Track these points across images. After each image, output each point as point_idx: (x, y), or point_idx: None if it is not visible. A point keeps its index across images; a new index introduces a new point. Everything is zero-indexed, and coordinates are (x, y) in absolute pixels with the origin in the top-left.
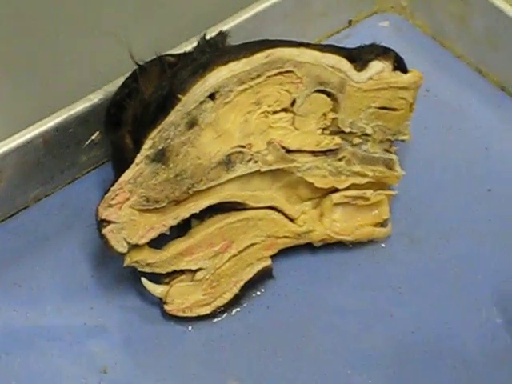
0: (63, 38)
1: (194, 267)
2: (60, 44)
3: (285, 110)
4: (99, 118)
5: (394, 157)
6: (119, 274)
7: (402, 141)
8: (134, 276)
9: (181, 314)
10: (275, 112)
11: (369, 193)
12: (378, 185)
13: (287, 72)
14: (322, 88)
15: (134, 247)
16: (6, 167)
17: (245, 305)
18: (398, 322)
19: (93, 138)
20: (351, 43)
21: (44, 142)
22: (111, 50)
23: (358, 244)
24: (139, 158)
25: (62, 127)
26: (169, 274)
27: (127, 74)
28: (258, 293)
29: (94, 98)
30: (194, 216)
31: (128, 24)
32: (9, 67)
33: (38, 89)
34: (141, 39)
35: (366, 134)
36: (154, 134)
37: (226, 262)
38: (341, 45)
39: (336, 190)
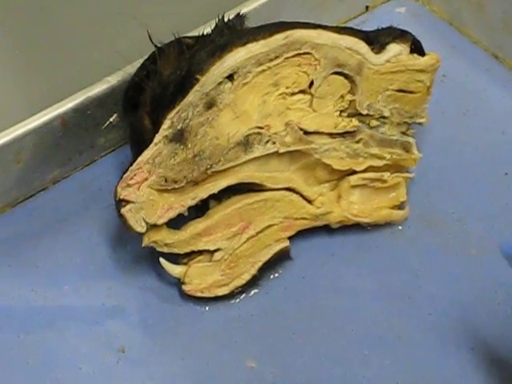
0: (82, 20)
1: (212, 248)
2: (78, 26)
3: (303, 91)
4: (117, 99)
5: (411, 139)
6: (137, 254)
7: (420, 124)
8: (152, 256)
9: (199, 295)
10: (293, 94)
11: (386, 175)
12: (396, 167)
13: (305, 54)
14: (339, 70)
15: (153, 227)
16: (25, 148)
17: (262, 286)
18: (414, 304)
19: (111, 120)
20: (368, 29)
21: (62, 124)
22: (130, 31)
23: (375, 226)
24: (158, 138)
25: (81, 109)
26: (187, 255)
27: (146, 56)
28: (276, 274)
29: (113, 79)
30: (212, 197)
31: (146, 6)
32: (27, 49)
33: (56, 70)
34: (159, 21)
35: (384, 117)
36: (172, 114)
37: (244, 242)
38: None
39: (353, 173)
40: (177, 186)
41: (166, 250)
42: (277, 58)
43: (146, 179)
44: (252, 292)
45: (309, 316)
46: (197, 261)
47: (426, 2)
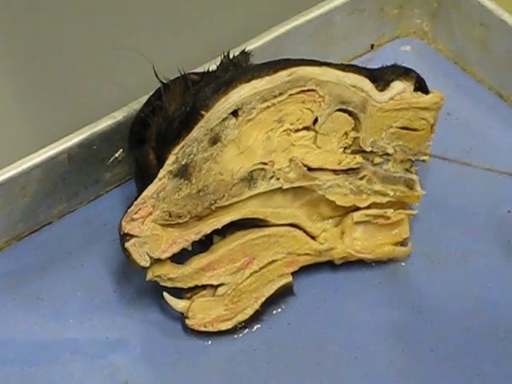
0: (88, 55)
1: (215, 282)
2: (85, 62)
3: (307, 128)
4: (123, 135)
5: (414, 177)
6: (141, 288)
7: (423, 161)
8: (155, 291)
9: (202, 329)
10: (297, 130)
11: (389, 212)
12: (399, 204)
13: (309, 90)
14: (343, 107)
15: (157, 262)
16: (31, 182)
17: (265, 321)
18: (416, 340)
19: (116, 155)
20: (373, 67)
21: (68, 158)
22: (136, 68)
23: (378, 262)
24: (162, 173)
25: (87, 144)
26: (190, 289)
27: (151, 92)
28: (279, 309)
29: (118, 115)
30: (215, 232)
31: (152, 42)
32: (34, 84)
33: (63, 105)
34: (165, 58)
35: (387, 154)
36: (177, 149)
37: (248, 277)
38: None
39: (357, 209)
40: (181, 221)
41: (169, 284)
42: (281, 94)
43: (151, 214)
44: (255, 327)
45: (311, 351)
46: (200, 295)
47: (431, 40)
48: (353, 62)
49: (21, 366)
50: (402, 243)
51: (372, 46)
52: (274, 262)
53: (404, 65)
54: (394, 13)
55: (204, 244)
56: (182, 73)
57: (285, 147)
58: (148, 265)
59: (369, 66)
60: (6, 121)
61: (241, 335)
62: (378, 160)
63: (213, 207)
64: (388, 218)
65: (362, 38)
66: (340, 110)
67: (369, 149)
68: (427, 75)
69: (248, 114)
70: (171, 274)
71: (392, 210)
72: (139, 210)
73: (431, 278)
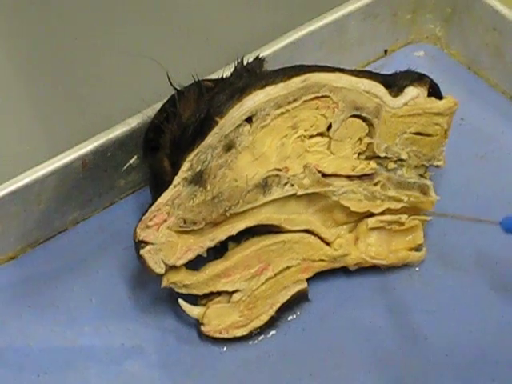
0: (103, 62)
1: (230, 289)
2: (100, 68)
3: (321, 134)
4: (137, 142)
5: (428, 182)
6: (156, 295)
7: (437, 166)
8: (170, 297)
9: (217, 335)
10: (311, 136)
11: (404, 218)
12: (413, 210)
13: (323, 97)
14: (357, 113)
15: (172, 268)
16: (45, 190)
17: (280, 327)
18: (432, 345)
19: (131, 162)
20: (387, 72)
21: (83, 166)
22: (150, 74)
23: (392, 268)
24: (177, 179)
25: (101, 151)
26: (205, 296)
27: (165, 99)
28: (294, 315)
29: (133, 122)
30: (230, 238)
31: (167, 49)
32: (49, 91)
33: (77, 112)
34: (179, 64)
35: (401, 159)
36: (191, 156)
37: (263, 284)
38: None
39: (371, 215)
40: (196, 228)
41: (184, 291)
42: (295, 100)
43: (165, 221)
44: (270, 333)
45: (327, 357)
46: (215, 302)
47: (444, 45)
48: (366, 68)
49: (37, 373)
50: (417, 249)
51: (385, 51)
52: (288, 268)
53: (417, 70)
54: (407, 18)
55: (219, 250)
56: (196, 79)
57: (299, 153)
58: (163, 272)
59: (382, 72)
60: (20, 128)
61: (256, 341)
62: (392, 166)
63: (227, 214)
64: (402, 224)
65: (376, 43)
66: (354, 115)
67: (383, 154)
68: (440, 80)
69: (262, 120)
70: (186, 280)
71: (406, 216)
72: (154, 217)
73: (446, 283)
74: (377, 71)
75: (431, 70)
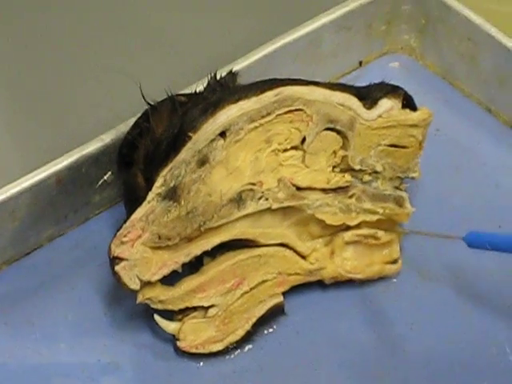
0: (75, 78)
1: (206, 304)
2: (72, 84)
3: (295, 147)
4: (111, 157)
5: (404, 194)
6: (132, 311)
7: (412, 178)
8: (146, 313)
9: (193, 351)
10: (285, 150)
11: (380, 233)
12: (389, 222)
13: (297, 110)
14: (331, 126)
15: (147, 284)
16: (20, 207)
17: (257, 341)
18: (410, 357)
19: (105, 177)
20: (362, 84)
21: (57, 182)
22: (123, 90)
23: (368, 281)
24: (151, 195)
25: (75, 167)
26: (181, 311)
27: (139, 114)
28: (270, 329)
29: (106, 137)
30: (205, 253)
31: (139, 64)
32: (21, 108)
33: (50, 129)
34: (152, 79)
35: (376, 172)
36: (165, 171)
37: (238, 298)
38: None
39: (347, 228)
40: (170, 243)
41: (160, 306)
42: (269, 114)
43: (140, 236)
44: (246, 348)
45: (304, 371)
46: (191, 317)
47: (419, 56)
48: (341, 79)
49: None
50: (393, 262)
51: (360, 62)
52: (264, 282)
53: (392, 81)
54: (381, 29)
55: (194, 266)
56: (170, 94)
57: (273, 167)
58: (138, 288)
59: (357, 83)
60: None
61: (232, 356)
62: (367, 178)
63: (202, 229)
64: (378, 238)
65: (350, 55)
66: (328, 128)
67: (358, 167)
68: (415, 91)
69: (236, 134)
70: (162, 296)
71: (383, 232)
72: (128, 232)
73: (423, 295)
74: (352, 83)
75: (406, 81)
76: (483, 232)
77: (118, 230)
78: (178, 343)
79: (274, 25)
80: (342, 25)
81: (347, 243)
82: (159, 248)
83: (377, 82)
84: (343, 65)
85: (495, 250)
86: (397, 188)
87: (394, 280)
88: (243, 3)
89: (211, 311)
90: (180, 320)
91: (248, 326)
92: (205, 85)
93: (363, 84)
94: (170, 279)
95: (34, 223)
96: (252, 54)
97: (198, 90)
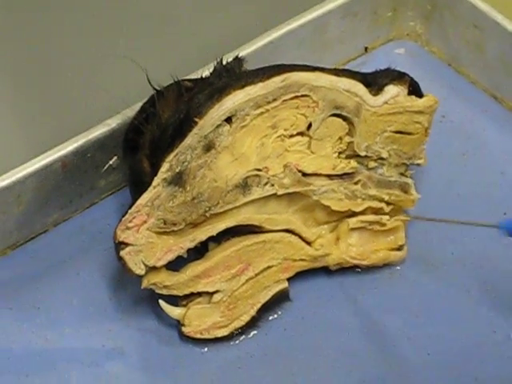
0: (82, 63)
1: (211, 289)
2: (78, 69)
3: (301, 133)
4: (117, 142)
5: (409, 180)
6: (137, 296)
7: (418, 165)
8: (151, 298)
9: (198, 336)
10: (291, 136)
11: (385, 218)
12: (394, 208)
13: (303, 96)
14: (337, 112)
15: (152, 269)
16: (26, 191)
17: (262, 327)
18: (414, 345)
19: (111, 162)
20: (367, 70)
21: (63, 166)
22: (129, 75)
23: (373, 267)
24: (156, 180)
25: (81, 152)
26: (186, 296)
27: (145, 99)
28: (275, 315)
29: (112, 122)
30: (211, 239)
31: (146, 49)
32: (27, 93)
33: (56, 113)
34: (158, 64)
35: (382, 158)
36: (171, 157)
37: (243, 284)
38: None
39: (352, 215)
40: (176, 229)
41: (165, 292)
42: (275, 100)
43: (145, 222)
44: (251, 333)
45: (308, 356)
46: (196, 302)
47: (425, 43)
48: (347, 66)
49: (17, 375)
50: (398, 248)
51: (366, 48)
52: (269, 268)
53: (398, 67)
54: (387, 15)
55: (199, 251)
56: (176, 79)
57: (279, 153)
58: (143, 273)
59: (363, 70)
60: None
61: (237, 342)
62: (372, 164)
63: (207, 214)
64: (383, 224)
65: (356, 41)
66: (334, 114)
67: (363, 153)
68: (421, 78)
69: (242, 120)
70: (167, 281)
71: (388, 217)
72: (134, 218)
73: (428, 282)
74: (358, 69)
75: (412, 68)
76: None
77: (123, 216)
78: (183, 328)
79: (280, 11)
80: (348, 11)
81: (352, 229)
82: (164, 233)
83: (383, 68)
84: (349, 51)
85: None
86: (402, 174)
87: (399, 267)
88: None
89: (216, 297)
90: (185, 305)
91: (253, 312)
92: (211, 70)
93: (369, 70)
94: (175, 264)
95: (40, 208)
96: (258, 39)
97: (204, 76)
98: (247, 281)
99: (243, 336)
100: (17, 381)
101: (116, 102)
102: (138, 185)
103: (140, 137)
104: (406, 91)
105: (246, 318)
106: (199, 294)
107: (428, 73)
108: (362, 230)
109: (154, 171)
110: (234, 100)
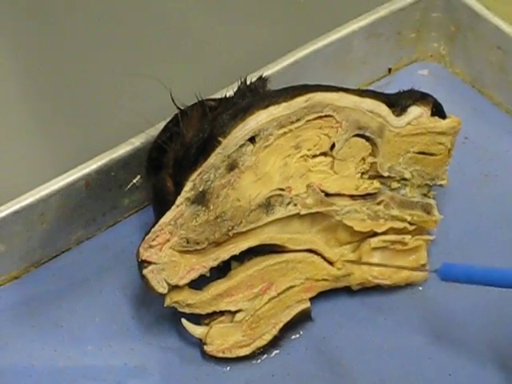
0: (106, 82)
1: (233, 308)
2: (103, 88)
3: (324, 153)
4: (141, 161)
5: (432, 201)
6: (159, 314)
7: (440, 186)
8: (173, 317)
9: (220, 355)
10: (314, 156)
11: (407, 238)
12: (417, 229)
13: (327, 116)
14: (361, 132)
15: (174, 288)
16: (49, 209)
17: (284, 346)
18: (435, 364)
19: (134, 181)
20: (391, 91)
21: (86, 185)
22: (153, 94)
23: (395, 287)
24: (180, 199)
25: (105, 170)
26: (208, 315)
27: (169, 118)
28: (297, 335)
29: (136, 141)
30: (233, 258)
31: (170, 69)
32: (52, 111)
33: (80, 132)
34: (182, 84)
35: (405, 179)
36: (194, 176)
37: (266, 303)
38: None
39: (374, 235)
40: (198, 248)
41: (187, 310)
42: (298, 120)
43: (168, 240)
44: (273, 352)
45: (330, 376)
46: (218, 321)
47: (448, 64)
48: (371, 86)
49: None
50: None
51: (389, 69)
52: (291, 287)
53: (421, 88)
54: (411, 36)
55: (222, 270)
56: (200, 99)
57: (302, 173)
58: (166, 291)
59: (386, 90)
60: (24, 148)
61: (259, 361)
62: (395, 185)
63: (230, 233)
64: (405, 243)
65: (380, 62)
66: (357, 135)
67: (386, 174)
68: (444, 99)
69: (265, 140)
70: (189, 300)
71: (410, 237)
72: (157, 236)
73: (449, 303)
74: (381, 90)
75: (435, 89)
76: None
77: (146, 234)
78: (205, 347)
79: (305, 31)
80: (372, 32)
81: (374, 249)
82: (187, 252)
83: (406, 89)
84: (372, 72)
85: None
86: (425, 195)
87: (421, 287)
88: (274, 8)
89: (238, 316)
90: (207, 324)
91: (275, 331)
92: (235, 90)
93: (392, 91)
94: (198, 283)
95: (63, 226)
96: (282, 59)
97: (227, 95)
98: (270, 300)
99: (265, 355)
100: None
101: (140, 121)
102: (162, 203)
103: (163, 156)
104: (429, 112)
105: (268, 338)
106: (221, 313)
107: (451, 94)
108: (383, 249)
109: (178, 190)
110: (258, 120)
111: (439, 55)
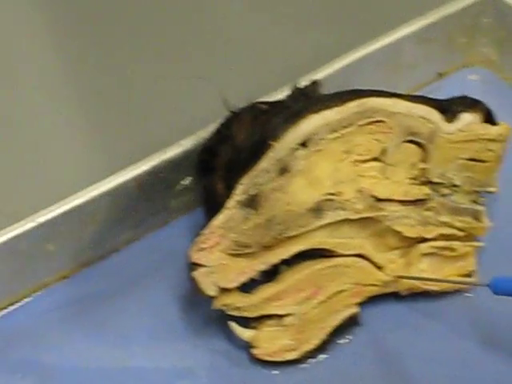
0: (157, 84)
1: (282, 312)
2: (154, 90)
3: (375, 159)
4: (191, 163)
5: (481, 208)
6: (207, 316)
7: (490, 192)
8: (221, 319)
9: (268, 359)
10: (365, 161)
11: (456, 244)
12: (466, 236)
13: (378, 122)
14: (412, 138)
15: (224, 291)
16: (100, 210)
17: (331, 351)
18: (482, 371)
19: (184, 182)
20: (441, 96)
21: (137, 186)
22: (204, 96)
23: (443, 294)
24: (231, 202)
25: (155, 172)
26: (256, 318)
27: (219, 121)
28: (345, 340)
29: (187, 143)
30: (282, 261)
31: (222, 71)
32: (103, 112)
33: (131, 133)
34: (234, 86)
35: (455, 185)
36: (245, 179)
37: (314, 308)
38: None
39: (424, 240)
40: (248, 251)
41: (236, 313)
42: (350, 125)
43: (219, 243)
44: (321, 357)
45: (377, 382)
46: (266, 325)
47: (498, 70)
48: (420, 91)
49: None
50: (468, 275)
51: (440, 74)
52: (340, 292)
53: (471, 94)
54: (461, 42)
55: (270, 273)
56: (251, 102)
57: (352, 178)
58: (215, 294)
59: (436, 95)
60: (75, 149)
61: (307, 365)
62: (445, 191)
63: (280, 237)
64: (454, 250)
65: (430, 66)
66: (408, 141)
67: (436, 180)
68: (494, 104)
69: (316, 144)
70: (238, 303)
71: (459, 243)
72: (207, 239)
73: (498, 310)
74: (430, 95)
75: (485, 94)
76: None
77: (197, 236)
78: (253, 350)
79: (356, 35)
80: (423, 36)
81: (423, 255)
82: (237, 255)
83: (456, 94)
84: (422, 76)
85: None
86: (474, 202)
87: (469, 294)
88: (326, 13)
89: (287, 319)
90: (255, 327)
91: (323, 336)
92: (286, 93)
93: (442, 96)
94: (246, 286)
95: (113, 226)
96: (333, 63)
97: (279, 98)
98: (318, 304)
99: (313, 360)
100: None
101: (190, 123)
102: (212, 206)
103: (214, 158)
104: (480, 119)
105: (316, 342)
106: (270, 317)
107: (500, 100)
108: (432, 255)
109: (228, 193)
110: (310, 124)
111: (489, 61)
